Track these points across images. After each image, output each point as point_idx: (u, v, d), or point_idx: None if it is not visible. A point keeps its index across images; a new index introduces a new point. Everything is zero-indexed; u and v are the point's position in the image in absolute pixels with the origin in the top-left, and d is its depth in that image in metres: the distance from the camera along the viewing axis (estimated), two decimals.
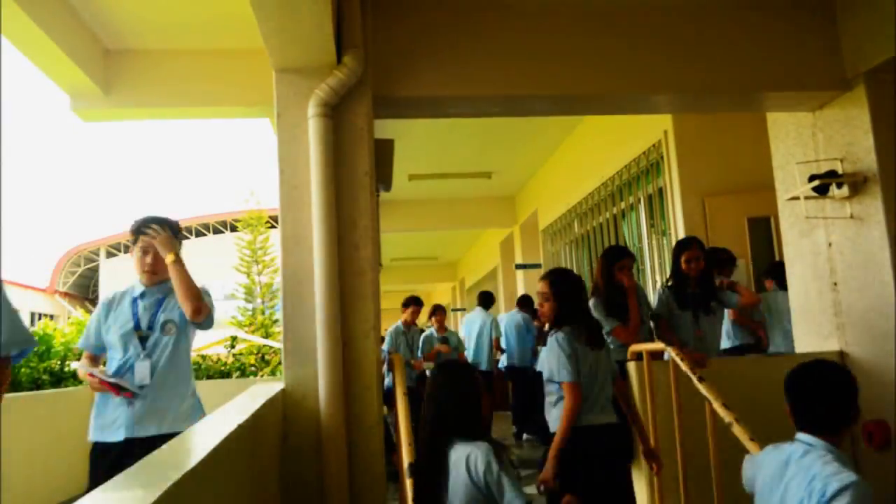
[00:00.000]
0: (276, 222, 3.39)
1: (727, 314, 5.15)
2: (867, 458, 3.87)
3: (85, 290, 42.07)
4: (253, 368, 8.17)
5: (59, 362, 7.14)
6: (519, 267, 11.30)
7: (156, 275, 3.12)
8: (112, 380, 2.90)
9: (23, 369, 6.80)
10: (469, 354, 8.42)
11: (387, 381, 4.52)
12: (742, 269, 5.66)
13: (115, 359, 3.04)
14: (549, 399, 3.22)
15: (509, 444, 8.09)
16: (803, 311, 4.34)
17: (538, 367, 3.36)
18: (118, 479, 1.17)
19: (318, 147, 3.19)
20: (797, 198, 4.22)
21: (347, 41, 3.29)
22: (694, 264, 4.34)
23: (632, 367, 3.92)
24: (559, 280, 3.33)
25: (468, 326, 8.66)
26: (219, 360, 8.01)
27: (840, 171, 3.98)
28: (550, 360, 3.15)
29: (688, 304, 4.36)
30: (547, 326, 3.32)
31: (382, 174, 3.99)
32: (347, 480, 3.06)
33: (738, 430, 2.93)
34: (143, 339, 3.02)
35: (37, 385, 6.76)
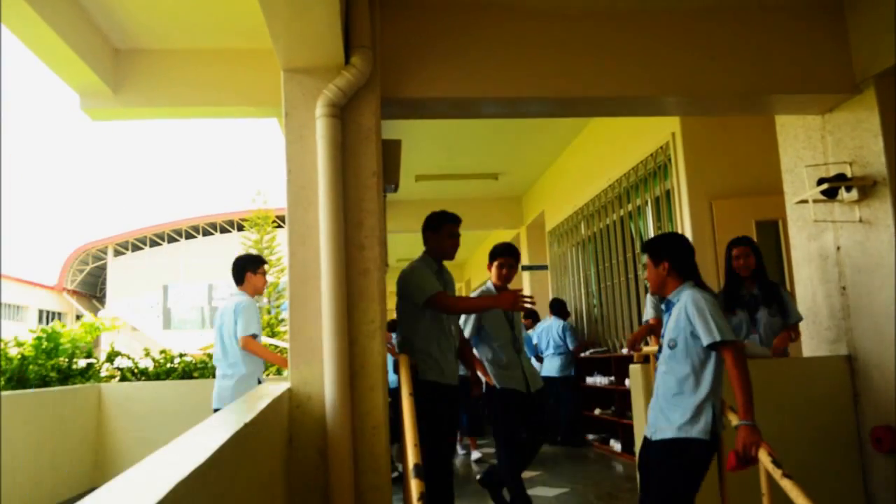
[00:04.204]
0: (283, 222, 3.41)
1: None
2: (875, 462, 3.85)
3: (93, 288, 42.27)
4: None
5: (66, 360, 7.17)
6: (525, 268, 11.28)
7: None
8: None
9: (31, 366, 6.83)
10: None
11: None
12: None
13: None
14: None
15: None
16: (811, 315, 4.32)
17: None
18: (122, 479, 1.17)
19: (326, 147, 3.19)
20: (806, 201, 4.20)
21: (355, 42, 3.30)
22: (741, 262, 4.29)
23: (636, 369, 3.91)
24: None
25: None
26: None
27: (849, 175, 3.96)
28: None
29: (739, 305, 4.29)
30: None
31: (390, 174, 3.99)
32: (353, 480, 3.06)
33: None
34: None
35: (44, 382, 6.79)
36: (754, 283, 4.31)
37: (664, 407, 2.91)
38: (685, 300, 2.90)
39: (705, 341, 2.77)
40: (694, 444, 2.78)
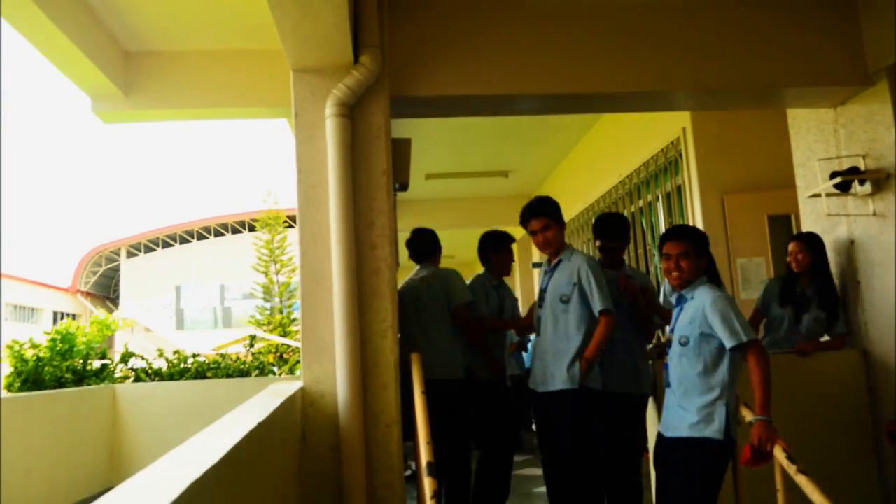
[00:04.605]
0: (294, 222, 3.42)
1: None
2: (891, 457, 3.82)
3: (106, 290, 42.57)
4: (272, 367, 8.22)
5: (81, 361, 7.23)
6: (536, 266, 11.27)
7: None
8: None
9: (46, 368, 6.90)
10: None
11: None
12: (762, 267, 5.60)
13: None
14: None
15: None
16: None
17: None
18: (137, 479, 1.18)
19: (336, 147, 3.20)
20: (819, 195, 4.17)
21: (364, 41, 3.30)
22: (793, 258, 4.11)
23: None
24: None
25: None
26: (238, 358, 8.06)
27: (862, 168, 3.93)
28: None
29: (788, 302, 4.14)
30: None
31: (399, 173, 4.00)
32: (365, 478, 3.07)
33: None
34: None
35: (60, 383, 6.85)
36: (810, 282, 4.11)
37: (677, 405, 2.89)
38: (702, 300, 2.85)
39: (729, 343, 2.74)
40: (707, 443, 2.77)
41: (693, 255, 2.94)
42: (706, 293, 2.87)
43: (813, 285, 4.09)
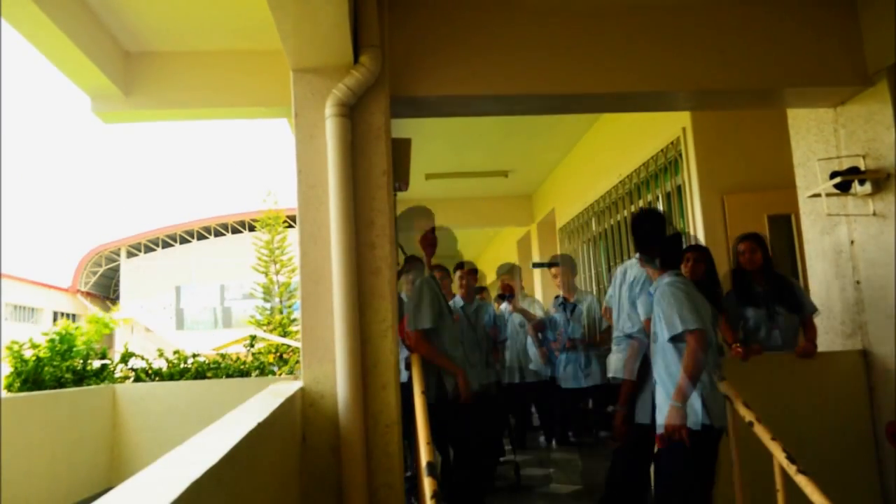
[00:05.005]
0: (294, 222, 3.42)
1: None
2: (891, 457, 3.82)
3: (106, 290, 42.57)
4: (272, 367, 8.22)
5: (81, 361, 7.23)
6: (536, 266, 11.26)
7: None
8: None
9: (46, 368, 6.90)
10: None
11: None
12: None
13: None
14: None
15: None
16: (825, 309, 4.29)
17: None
18: (137, 479, 1.18)
19: (336, 147, 3.20)
20: (818, 195, 4.17)
21: (364, 41, 3.30)
22: (748, 256, 4.18)
23: None
24: None
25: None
26: (238, 358, 8.06)
27: (862, 168, 3.93)
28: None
29: (752, 303, 4.19)
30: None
31: (400, 173, 3.99)
32: (366, 478, 3.07)
33: (759, 430, 2.90)
34: None
35: (60, 383, 6.85)
36: (762, 278, 4.20)
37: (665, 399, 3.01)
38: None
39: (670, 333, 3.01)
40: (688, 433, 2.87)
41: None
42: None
43: (765, 280, 4.19)
